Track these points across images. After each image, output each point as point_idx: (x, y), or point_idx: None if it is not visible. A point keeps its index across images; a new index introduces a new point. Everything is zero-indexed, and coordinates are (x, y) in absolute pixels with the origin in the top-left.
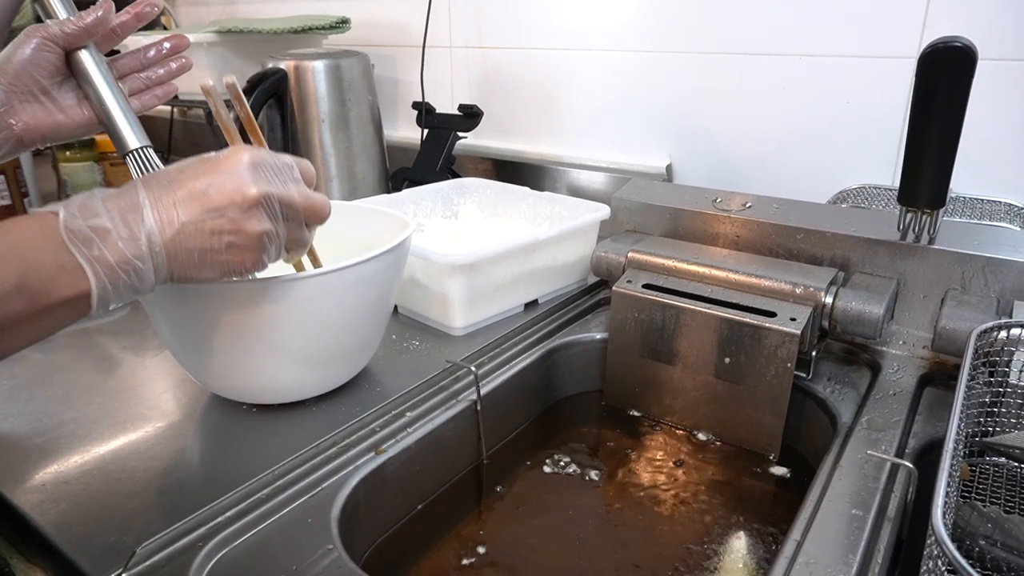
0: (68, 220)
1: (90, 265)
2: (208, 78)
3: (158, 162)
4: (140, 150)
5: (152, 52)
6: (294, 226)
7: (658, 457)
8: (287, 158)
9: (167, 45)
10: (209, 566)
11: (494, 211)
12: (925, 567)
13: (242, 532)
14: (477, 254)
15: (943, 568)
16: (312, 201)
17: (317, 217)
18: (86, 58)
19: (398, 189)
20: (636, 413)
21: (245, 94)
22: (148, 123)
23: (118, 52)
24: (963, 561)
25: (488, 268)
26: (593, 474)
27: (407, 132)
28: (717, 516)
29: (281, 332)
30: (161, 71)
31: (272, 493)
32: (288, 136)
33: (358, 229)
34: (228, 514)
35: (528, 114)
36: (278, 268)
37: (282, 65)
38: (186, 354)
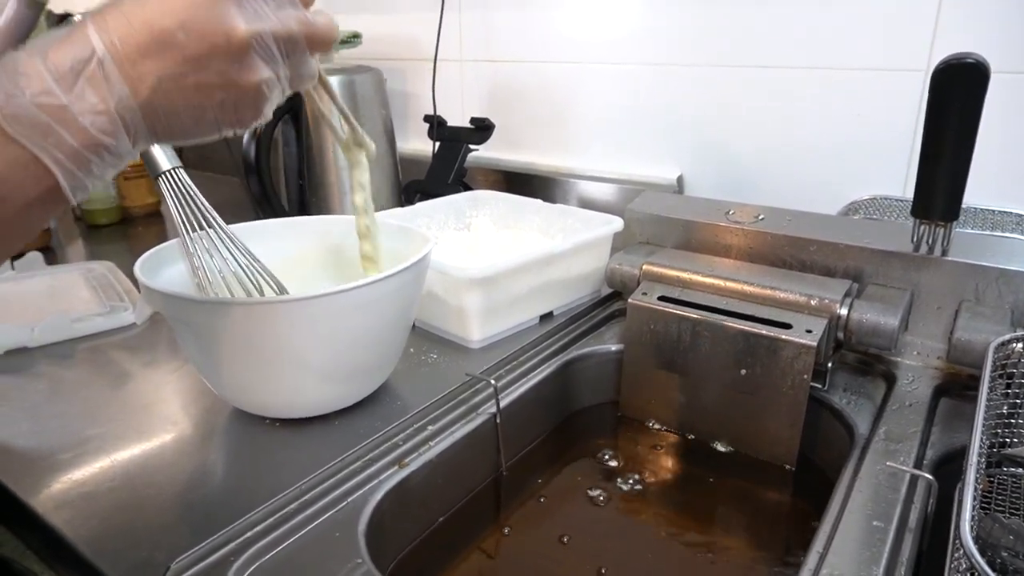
0: (6, 104)
1: (50, 156)
2: None
3: (191, 183)
4: (173, 171)
5: None
6: (297, 61)
7: (675, 468)
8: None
9: None
10: None
11: (507, 224)
12: None
13: (272, 547)
14: (494, 268)
15: None
16: (315, 28)
17: (323, 44)
18: None
19: (411, 202)
20: (653, 424)
21: None
22: None
23: None
24: (985, 566)
25: (504, 281)
26: (611, 485)
27: (419, 144)
28: (736, 527)
29: (304, 348)
30: None
31: (300, 507)
32: (303, 151)
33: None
34: (257, 529)
35: (539, 126)
36: (303, 279)
37: None
38: (210, 369)
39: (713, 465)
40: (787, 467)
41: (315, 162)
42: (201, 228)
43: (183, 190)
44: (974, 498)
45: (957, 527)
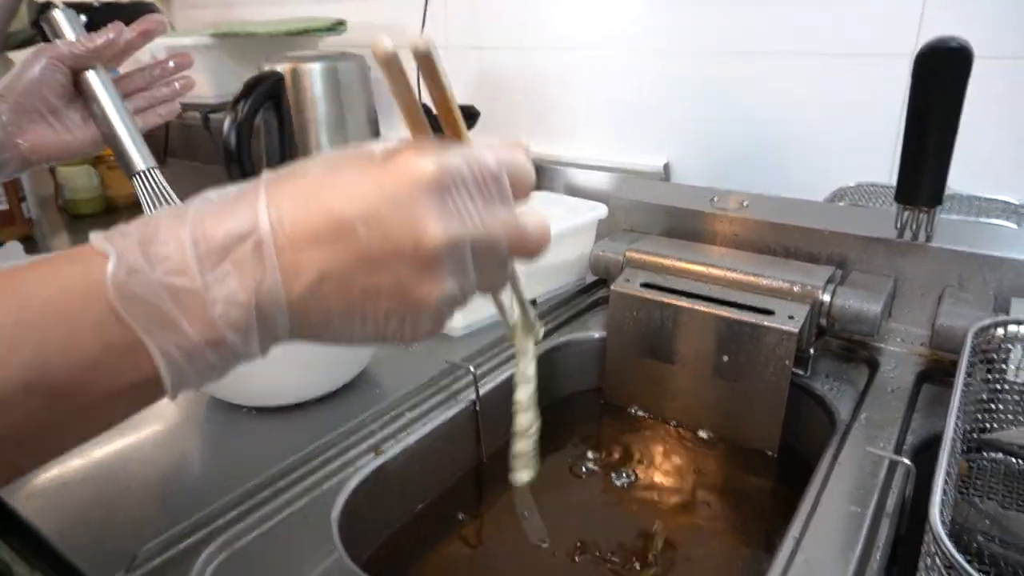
0: (126, 277)
1: (159, 347)
2: (205, 82)
3: (165, 184)
4: (148, 171)
5: (157, 71)
6: (492, 272)
7: (658, 455)
8: (489, 159)
9: (172, 64)
10: (211, 568)
11: None
12: (923, 564)
13: (243, 534)
14: None
15: (940, 565)
16: (524, 235)
17: (530, 254)
18: (94, 79)
19: None
20: (635, 411)
21: (242, 97)
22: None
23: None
24: (960, 558)
25: None
26: (593, 472)
27: (405, 133)
28: (717, 513)
29: None
30: (165, 90)
31: (273, 495)
32: (285, 138)
33: None
34: (229, 516)
35: (525, 114)
36: None
37: (279, 68)
38: None
39: (695, 452)
40: (769, 453)
41: (298, 149)
42: None
43: (157, 190)
44: (947, 482)
45: (928, 511)
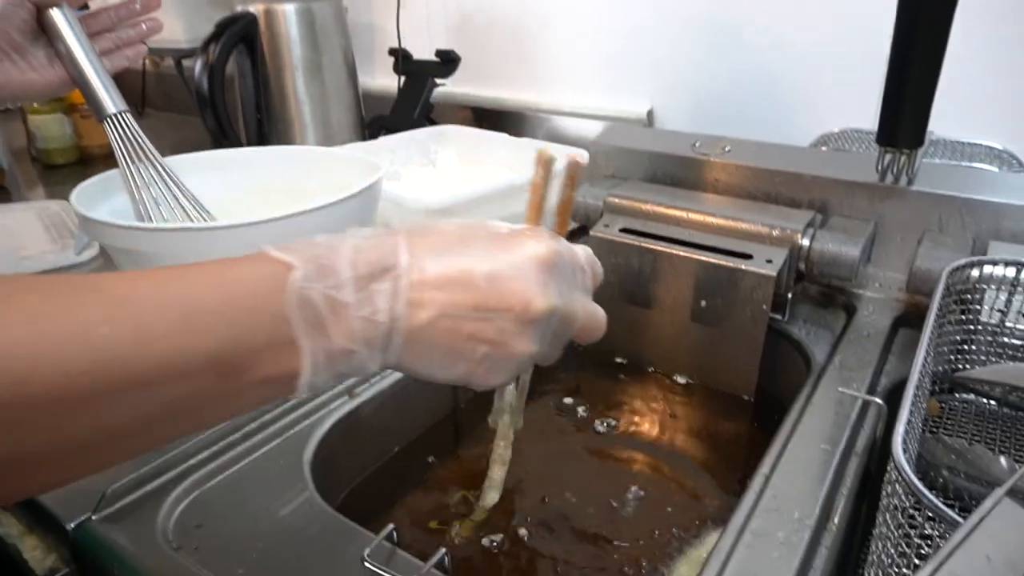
0: (305, 284)
1: (310, 346)
2: (177, 27)
3: (137, 128)
4: (119, 115)
5: (124, 11)
6: (557, 344)
7: (637, 400)
8: (581, 256)
9: (138, 4)
10: (180, 508)
11: (472, 159)
12: (884, 492)
13: (213, 475)
14: (451, 199)
15: (900, 491)
16: (592, 319)
17: (589, 338)
18: (59, 17)
19: (375, 138)
20: (615, 358)
21: (213, 39)
22: (120, 76)
23: (86, 7)
24: (917, 481)
25: (464, 213)
26: (572, 418)
27: (385, 80)
28: (693, 457)
29: None
30: (132, 31)
31: (244, 436)
32: (259, 83)
33: (326, 176)
34: (199, 456)
35: (507, 60)
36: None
37: (252, 9)
38: None
39: (673, 397)
40: (745, 398)
41: (273, 94)
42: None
43: (130, 136)
44: (913, 415)
45: (891, 439)
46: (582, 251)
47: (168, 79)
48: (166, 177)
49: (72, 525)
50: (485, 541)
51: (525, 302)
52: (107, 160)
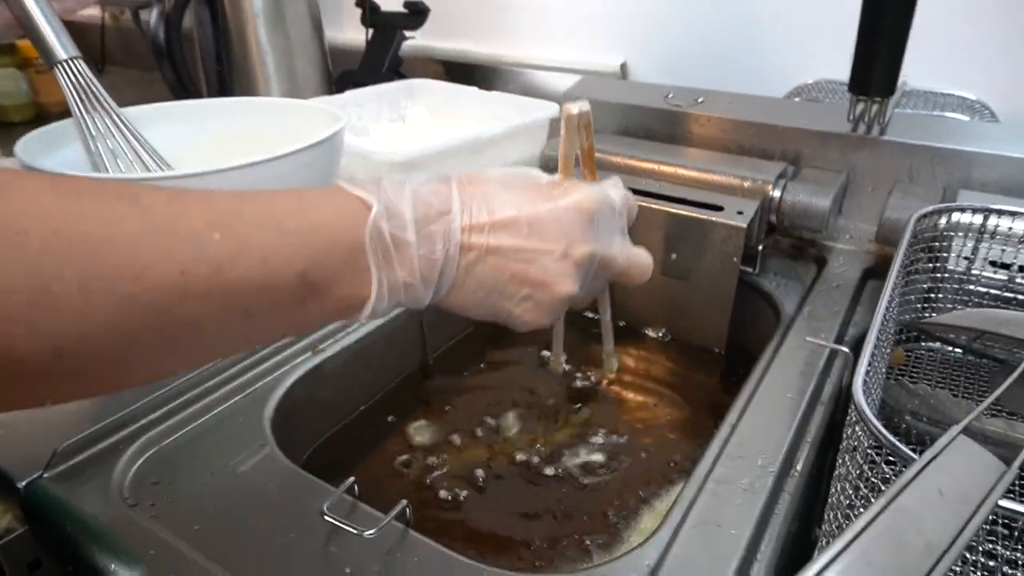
0: (377, 220)
1: (377, 278)
2: None
3: (91, 75)
4: (70, 60)
5: None
6: (597, 285)
7: None
8: (617, 201)
9: None
10: (136, 466)
11: (443, 113)
12: (845, 434)
13: (171, 431)
14: (418, 151)
15: (860, 433)
16: (632, 263)
17: (633, 279)
18: None
19: (343, 92)
20: (586, 313)
21: None
22: (78, 31)
23: None
24: (870, 414)
25: (431, 167)
26: (544, 373)
27: (352, 34)
28: (664, 410)
29: None
30: None
31: (202, 393)
32: (220, 33)
33: (287, 126)
34: (156, 414)
35: (478, 12)
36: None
37: None
38: None
39: (645, 351)
40: (716, 350)
41: (234, 45)
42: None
43: (83, 84)
44: (876, 358)
45: (852, 381)
46: (617, 194)
47: (128, 33)
48: (123, 127)
49: (23, 484)
50: (444, 493)
51: (567, 247)
52: (66, 117)
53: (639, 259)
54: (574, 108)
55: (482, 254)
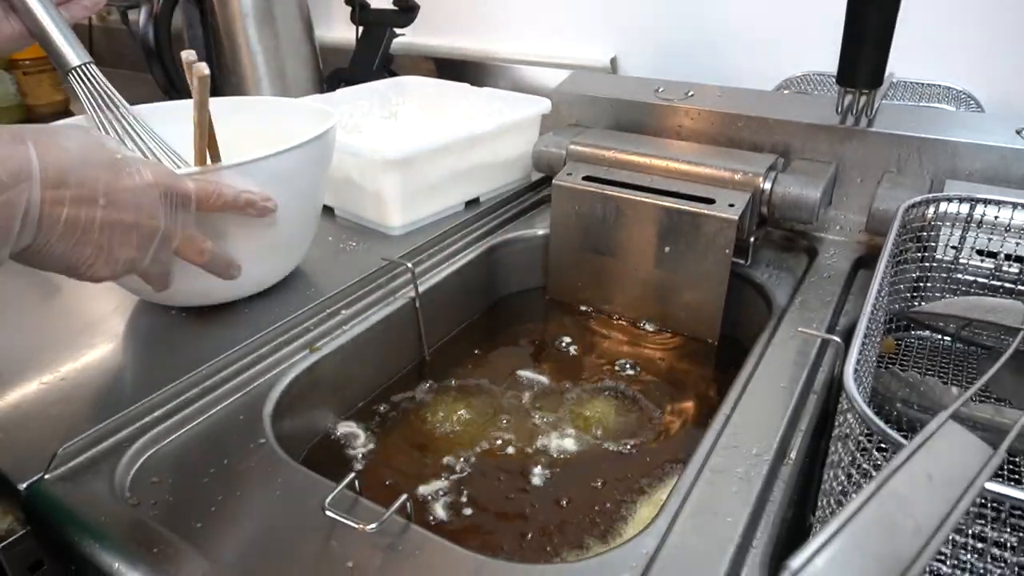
0: None
1: None
2: None
3: (104, 80)
4: (83, 66)
5: None
6: (162, 256)
7: (602, 348)
8: (190, 186)
9: None
10: (137, 465)
11: (434, 110)
12: (837, 422)
13: (171, 431)
14: (411, 149)
15: (852, 420)
16: (190, 241)
17: (190, 257)
18: None
19: (334, 91)
20: (581, 307)
21: None
22: None
23: None
24: (861, 402)
25: (423, 164)
26: (538, 367)
27: (343, 33)
28: (658, 403)
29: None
30: None
31: (202, 392)
32: (209, 33)
33: (279, 125)
34: (156, 414)
35: (468, 9)
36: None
37: None
38: None
39: (638, 344)
40: (710, 341)
41: (223, 45)
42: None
43: (97, 88)
44: (867, 346)
45: (843, 369)
46: (192, 183)
47: (116, 33)
48: (139, 128)
49: (24, 486)
50: (443, 486)
51: (135, 218)
52: (56, 120)
53: (196, 240)
54: (191, 56)
55: (58, 222)
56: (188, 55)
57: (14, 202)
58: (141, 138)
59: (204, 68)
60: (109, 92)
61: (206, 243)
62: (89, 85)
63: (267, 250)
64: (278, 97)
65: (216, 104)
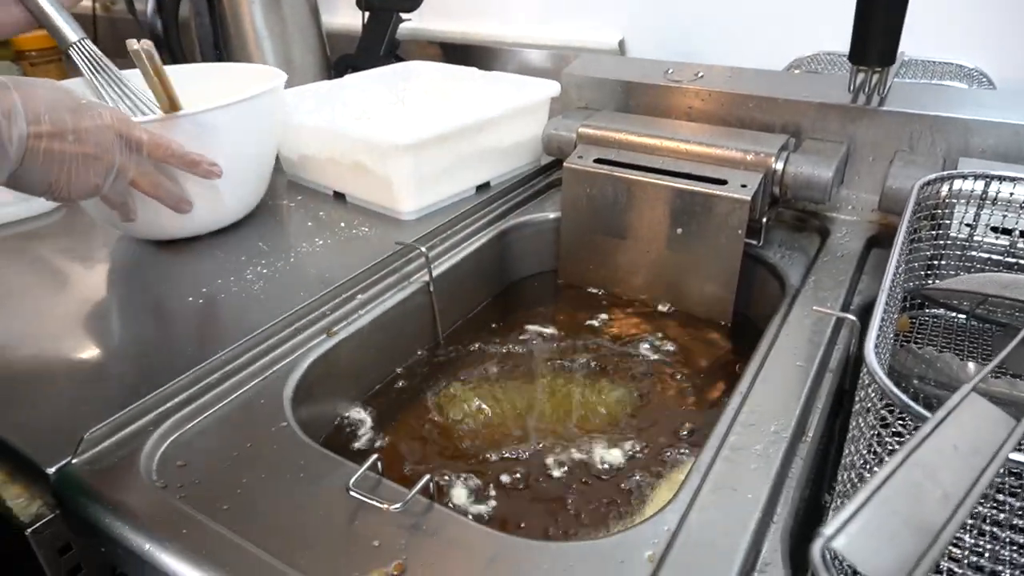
0: None
1: None
2: None
3: (99, 53)
4: (80, 41)
5: None
6: (118, 187)
7: (615, 331)
8: (144, 135)
9: None
10: (162, 449)
11: (442, 94)
12: (858, 397)
13: (194, 415)
14: (422, 134)
15: (873, 394)
16: (145, 176)
17: (149, 191)
18: None
19: (341, 77)
20: (592, 290)
21: None
22: None
23: None
24: (883, 374)
25: (434, 149)
26: (552, 349)
27: (348, 19)
28: (673, 385)
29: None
30: None
31: (223, 377)
32: (216, 19)
33: (240, 87)
34: (179, 398)
35: None
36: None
37: None
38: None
39: (652, 325)
40: (723, 323)
41: (231, 32)
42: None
43: (95, 59)
44: (885, 322)
45: (862, 347)
46: (146, 134)
47: (121, 23)
48: (127, 89)
49: (52, 470)
50: (463, 466)
51: (96, 151)
52: None
53: (150, 174)
54: (134, 44)
55: (38, 152)
56: (131, 43)
57: (6, 132)
58: (129, 96)
59: (136, 43)
60: (103, 61)
61: (159, 178)
62: (87, 56)
63: (234, 181)
64: (238, 63)
65: (178, 71)
